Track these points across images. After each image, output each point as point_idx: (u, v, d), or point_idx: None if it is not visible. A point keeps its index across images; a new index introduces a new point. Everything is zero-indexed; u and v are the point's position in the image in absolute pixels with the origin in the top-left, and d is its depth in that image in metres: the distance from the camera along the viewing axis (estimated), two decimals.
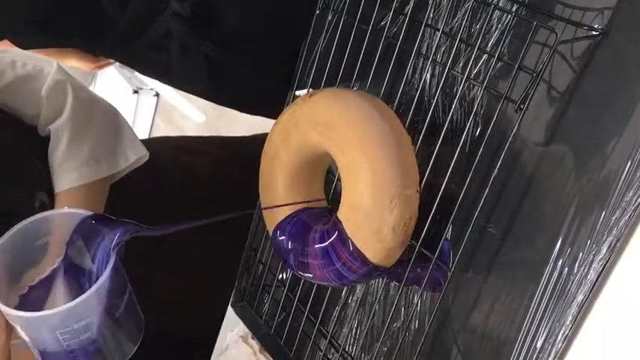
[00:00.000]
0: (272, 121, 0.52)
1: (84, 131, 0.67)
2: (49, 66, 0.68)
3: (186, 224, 0.50)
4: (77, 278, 0.49)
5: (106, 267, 0.46)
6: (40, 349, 0.47)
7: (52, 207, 0.64)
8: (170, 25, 0.67)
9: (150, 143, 0.75)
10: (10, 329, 0.49)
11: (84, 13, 0.66)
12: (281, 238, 0.49)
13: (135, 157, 0.71)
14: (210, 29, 0.67)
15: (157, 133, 2.40)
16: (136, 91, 2.34)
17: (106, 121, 0.71)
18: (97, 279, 0.45)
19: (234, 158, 0.88)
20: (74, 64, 0.95)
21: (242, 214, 0.61)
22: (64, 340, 0.46)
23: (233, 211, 0.70)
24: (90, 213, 0.49)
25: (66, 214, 0.50)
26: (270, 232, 0.51)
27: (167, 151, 0.83)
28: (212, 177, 0.84)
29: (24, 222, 0.48)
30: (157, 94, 2.38)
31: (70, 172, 0.65)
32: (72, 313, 0.45)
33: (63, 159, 0.65)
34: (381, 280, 0.52)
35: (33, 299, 0.49)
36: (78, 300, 0.44)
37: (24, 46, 0.70)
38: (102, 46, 0.73)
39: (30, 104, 0.66)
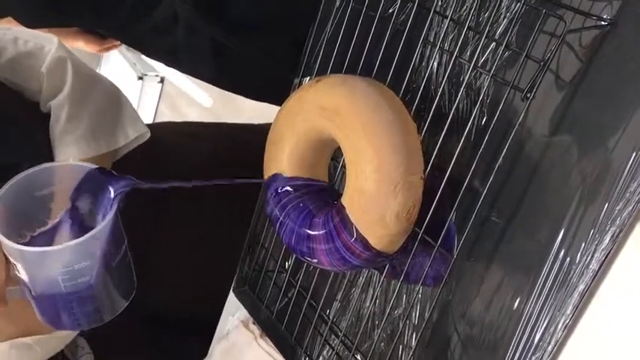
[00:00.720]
0: (277, 110, 0.52)
1: (82, 107, 0.68)
2: (49, 43, 0.68)
3: (188, 183, 0.50)
4: (80, 231, 0.49)
5: (108, 214, 0.47)
6: (38, 292, 0.48)
7: None
8: (176, 8, 0.67)
9: (154, 127, 0.75)
10: (8, 270, 0.49)
11: None
12: (287, 228, 0.49)
13: (135, 134, 0.71)
14: (217, 12, 0.67)
15: (161, 120, 2.40)
16: (140, 78, 2.34)
17: (106, 98, 0.71)
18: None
19: (238, 145, 0.88)
20: (80, 47, 0.95)
21: (247, 181, 0.58)
22: (63, 282, 0.46)
23: (235, 195, 0.70)
24: (95, 166, 0.49)
25: (70, 166, 0.50)
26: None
27: (171, 136, 0.84)
28: (215, 162, 0.84)
29: (26, 171, 0.48)
30: (162, 81, 2.38)
31: (68, 147, 0.65)
32: (75, 252, 0.46)
33: (62, 134, 0.65)
34: (383, 269, 0.52)
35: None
36: (83, 238, 0.45)
37: (30, 25, 0.70)
38: (108, 27, 0.73)
39: (31, 80, 0.67)
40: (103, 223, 0.46)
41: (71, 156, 0.65)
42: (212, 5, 0.67)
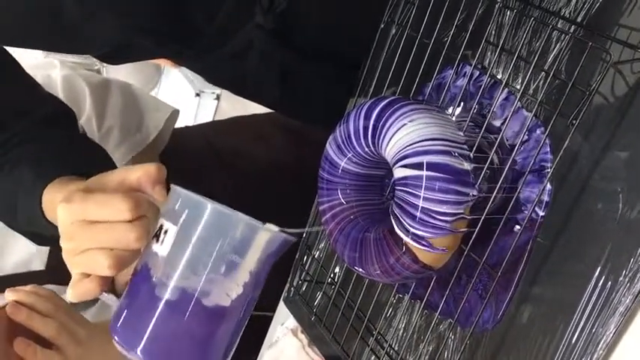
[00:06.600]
0: None
1: (106, 113, 0.70)
2: (51, 68, 0.70)
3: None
4: None
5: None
6: (167, 289, 0.40)
7: None
8: (252, 37, 0.69)
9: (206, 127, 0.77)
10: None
11: (176, 23, 0.67)
12: (339, 241, 0.52)
13: (164, 116, 0.73)
14: (290, 38, 0.69)
15: None
16: (197, 94, 2.43)
17: (122, 95, 0.74)
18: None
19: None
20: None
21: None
22: (207, 276, 0.40)
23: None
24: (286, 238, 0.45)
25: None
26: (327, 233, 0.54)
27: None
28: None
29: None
30: (218, 98, 2.46)
31: (112, 156, 0.66)
32: (244, 234, 0.40)
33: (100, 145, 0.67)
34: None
35: None
36: (265, 226, 0.41)
37: (112, 61, 0.70)
38: (187, 56, 0.75)
39: None
40: (282, 236, 0.42)
41: (118, 163, 0.66)
42: (285, 32, 0.69)
